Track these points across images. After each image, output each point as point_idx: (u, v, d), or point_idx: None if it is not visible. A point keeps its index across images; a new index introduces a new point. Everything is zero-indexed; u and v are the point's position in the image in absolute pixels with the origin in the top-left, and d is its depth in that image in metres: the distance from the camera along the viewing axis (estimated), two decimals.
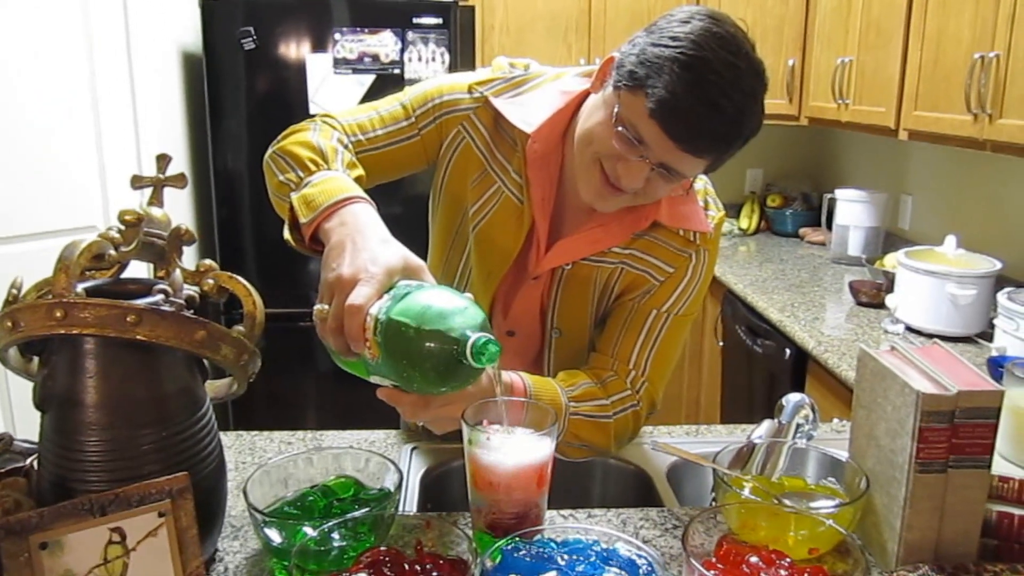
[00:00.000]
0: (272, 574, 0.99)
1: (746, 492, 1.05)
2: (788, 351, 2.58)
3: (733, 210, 4.09)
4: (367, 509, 0.96)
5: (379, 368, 0.92)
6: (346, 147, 1.22)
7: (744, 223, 3.99)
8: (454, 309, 0.89)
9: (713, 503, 1.24)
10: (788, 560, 0.89)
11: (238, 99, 3.19)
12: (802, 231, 3.85)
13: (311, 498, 1.02)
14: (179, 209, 3.16)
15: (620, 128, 1.09)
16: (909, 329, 2.45)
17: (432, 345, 0.87)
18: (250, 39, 3.10)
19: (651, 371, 1.30)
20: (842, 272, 3.22)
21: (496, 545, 0.87)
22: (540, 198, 1.26)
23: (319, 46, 3.15)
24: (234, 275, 0.94)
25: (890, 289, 2.59)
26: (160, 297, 0.87)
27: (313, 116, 1.29)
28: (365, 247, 0.97)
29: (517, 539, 0.88)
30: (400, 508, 1.33)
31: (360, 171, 1.19)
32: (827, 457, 1.15)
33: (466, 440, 0.97)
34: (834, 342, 2.38)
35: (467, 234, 1.34)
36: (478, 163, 1.29)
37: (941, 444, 0.91)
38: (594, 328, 1.37)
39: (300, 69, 3.15)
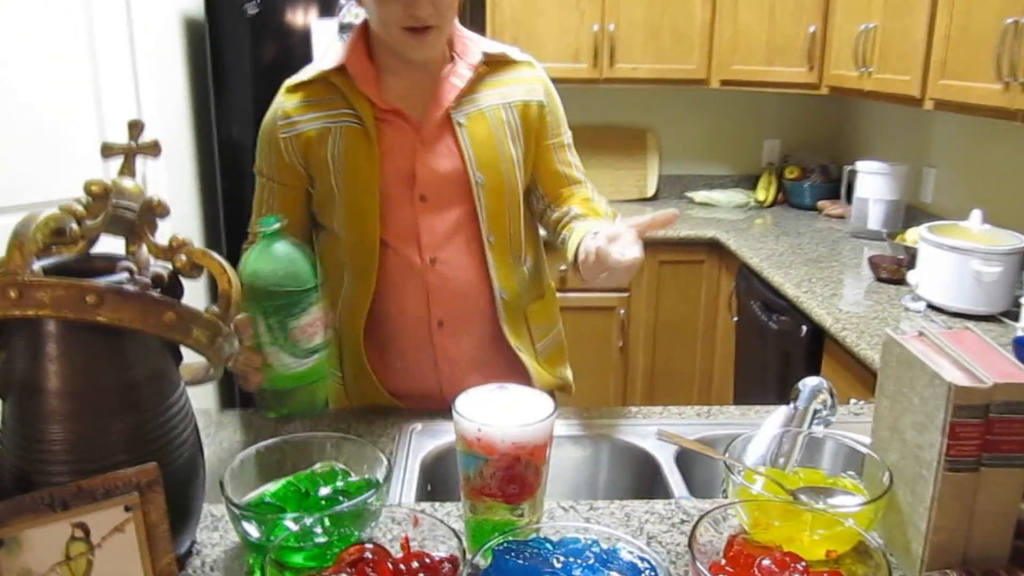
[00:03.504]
0: (251, 571, 0.93)
1: (758, 487, 0.98)
2: (804, 328, 2.50)
3: (749, 182, 4.00)
4: (353, 501, 0.90)
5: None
6: None
7: (761, 195, 3.89)
8: None
9: (723, 495, 1.17)
10: (804, 564, 0.82)
11: (242, 67, 3.11)
12: (820, 204, 3.75)
13: (294, 488, 0.96)
14: (182, 181, 3.10)
15: None
16: (930, 307, 2.36)
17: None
18: (253, 3, 3.01)
19: (587, 179, 1.62)
20: (861, 247, 3.13)
21: (487, 544, 0.80)
22: (377, 97, 1.41)
23: (324, 11, 3.05)
24: (209, 251, 0.87)
25: (911, 265, 2.51)
26: (124, 276, 0.80)
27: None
28: None
29: (509, 538, 0.81)
30: (400, 492, 1.28)
31: None
32: (845, 447, 1.08)
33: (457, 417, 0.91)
34: (852, 319, 2.30)
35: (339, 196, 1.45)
36: (314, 136, 1.42)
37: (973, 441, 0.84)
38: (522, 180, 1.52)
39: (305, 35, 3.06)
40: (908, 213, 3.21)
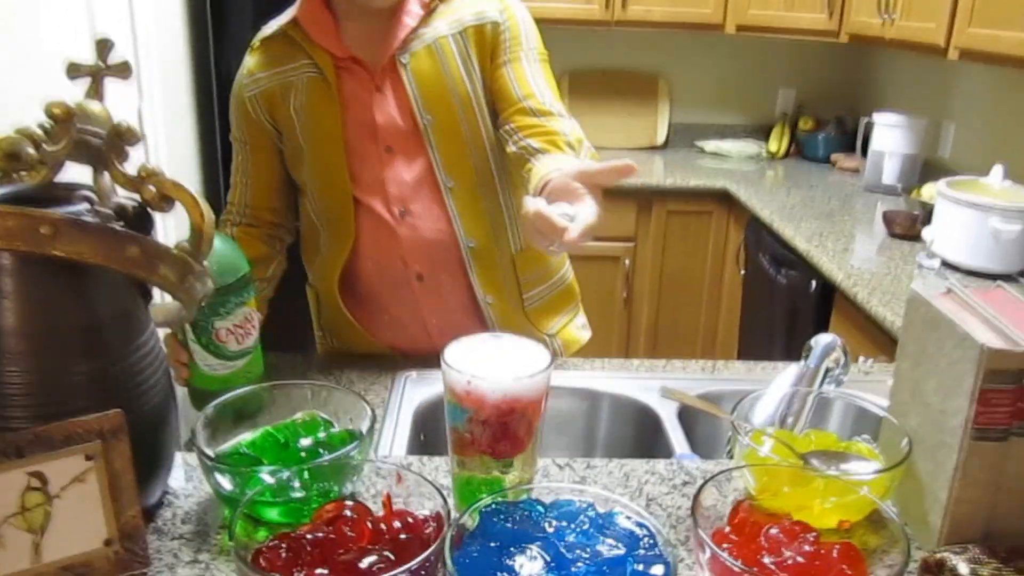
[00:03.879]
0: (225, 524, 0.88)
1: (766, 449, 0.92)
2: (814, 283, 2.43)
3: (762, 132, 3.89)
4: (334, 454, 0.85)
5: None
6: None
7: (773, 146, 3.79)
8: None
9: (728, 456, 1.12)
10: (814, 535, 0.76)
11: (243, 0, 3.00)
12: (834, 157, 3.65)
13: (272, 438, 0.91)
14: (179, 120, 3.00)
15: None
16: (945, 264, 2.29)
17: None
18: None
19: (553, 95, 1.38)
20: (875, 201, 3.04)
21: (474, 505, 0.75)
22: (335, 46, 1.33)
23: None
24: (179, 183, 0.80)
25: (927, 221, 2.43)
26: (83, 206, 0.73)
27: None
28: None
29: (498, 499, 0.76)
30: (391, 442, 1.23)
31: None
32: (859, 409, 1.02)
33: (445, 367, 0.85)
34: (864, 276, 2.23)
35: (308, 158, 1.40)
36: (277, 91, 1.37)
37: (1004, 408, 0.77)
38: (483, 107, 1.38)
39: None
40: (924, 168, 3.12)
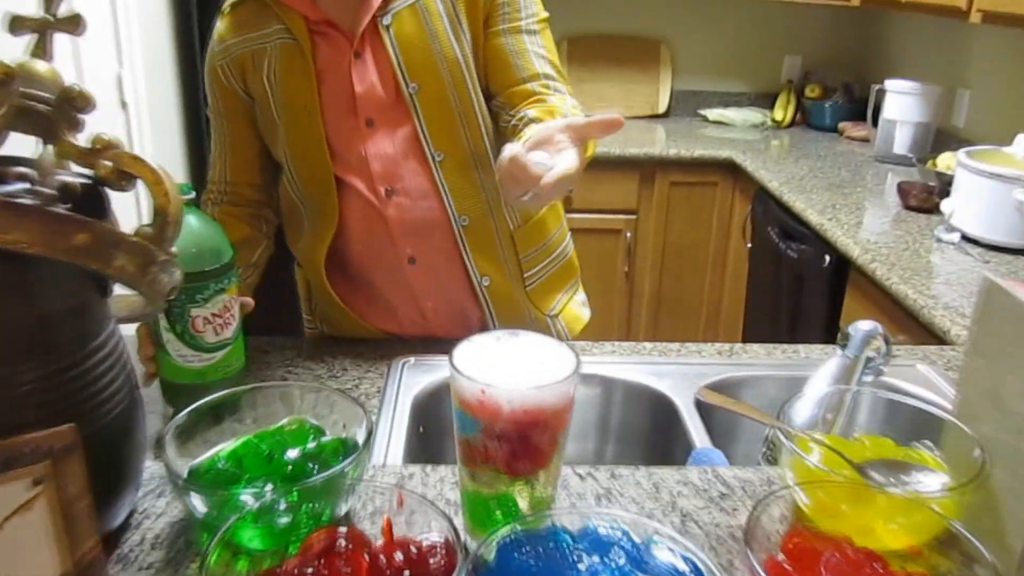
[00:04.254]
0: (200, 549, 0.76)
1: (815, 459, 0.81)
2: (828, 257, 2.33)
3: (767, 100, 3.77)
4: (326, 472, 0.73)
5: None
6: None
7: (778, 115, 3.66)
8: None
9: (764, 459, 1.01)
10: (881, 562, 0.66)
11: None
12: (841, 126, 3.53)
13: (254, 448, 0.79)
14: (162, 89, 2.86)
15: None
16: (965, 238, 2.19)
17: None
18: None
19: (556, 74, 1.31)
20: (886, 172, 2.93)
21: (491, 536, 0.64)
22: (308, 8, 1.22)
23: None
24: (140, 156, 0.68)
25: (944, 193, 2.33)
26: (21, 185, 0.61)
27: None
28: None
29: (519, 529, 0.64)
30: (388, 435, 1.13)
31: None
32: (903, 406, 0.90)
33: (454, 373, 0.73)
34: (881, 250, 2.12)
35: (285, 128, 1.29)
36: (249, 58, 1.27)
37: None
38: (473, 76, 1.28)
39: None
40: (937, 137, 3.00)
